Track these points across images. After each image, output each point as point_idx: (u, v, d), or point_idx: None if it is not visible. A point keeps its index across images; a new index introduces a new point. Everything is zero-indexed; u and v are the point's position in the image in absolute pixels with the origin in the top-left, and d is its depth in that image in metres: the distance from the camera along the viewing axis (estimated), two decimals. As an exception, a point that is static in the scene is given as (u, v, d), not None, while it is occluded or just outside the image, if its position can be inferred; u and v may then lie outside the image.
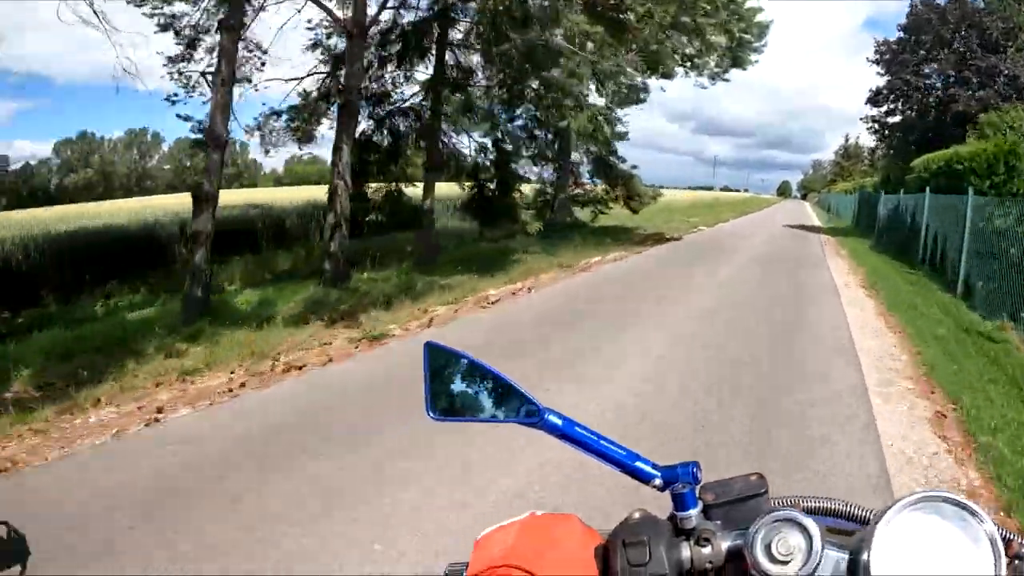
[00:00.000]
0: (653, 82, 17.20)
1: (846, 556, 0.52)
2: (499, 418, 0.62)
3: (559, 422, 0.60)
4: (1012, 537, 0.53)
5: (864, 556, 0.50)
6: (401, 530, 2.42)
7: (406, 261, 10.24)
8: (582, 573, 0.54)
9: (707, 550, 0.55)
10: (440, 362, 0.63)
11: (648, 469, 0.60)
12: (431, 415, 0.62)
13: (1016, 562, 0.52)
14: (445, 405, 0.63)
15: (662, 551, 0.54)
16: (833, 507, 0.61)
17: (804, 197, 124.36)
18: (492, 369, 0.61)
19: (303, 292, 7.72)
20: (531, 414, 0.60)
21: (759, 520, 0.54)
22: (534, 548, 0.54)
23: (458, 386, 0.63)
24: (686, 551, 0.55)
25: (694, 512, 0.58)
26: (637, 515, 0.57)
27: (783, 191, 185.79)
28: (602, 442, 0.60)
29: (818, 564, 0.51)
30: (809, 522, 0.52)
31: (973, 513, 0.50)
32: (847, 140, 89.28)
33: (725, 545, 0.55)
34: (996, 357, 4.86)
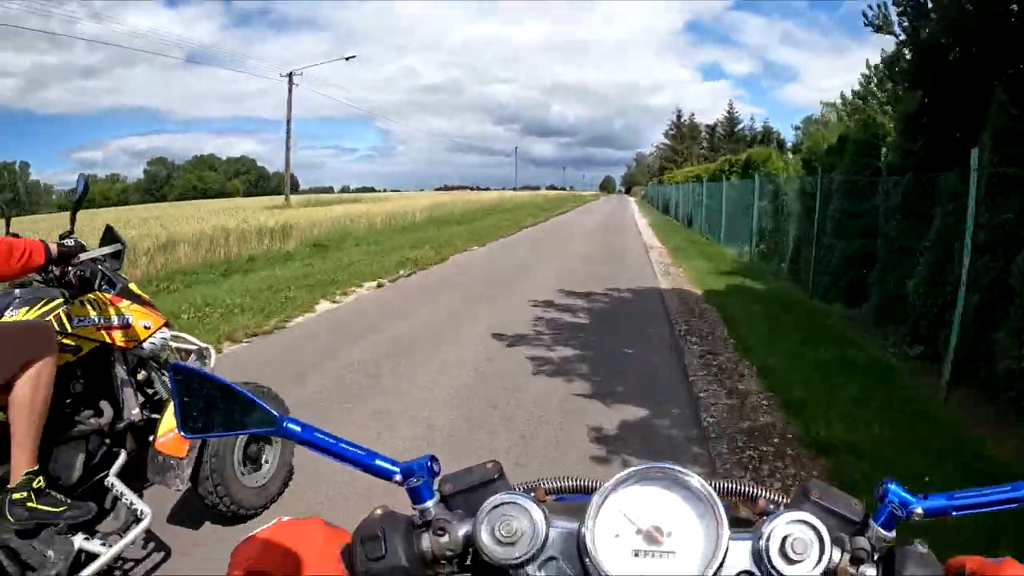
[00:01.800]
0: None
1: (574, 529, 0.58)
2: (244, 429, 0.64)
3: (298, 429, 0.64)
4: (758, 495, 0.63)
5: (584, 528, 0.57)
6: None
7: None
8: (327, 573, 0.58)
9: (444, 539, 0.60)
10: (187, 382, 0.65)
11: (387, 466, 0.64)
12: (184, 434, 0.65)
13: (763, 517, 0.59)
14: (193, 424, 0.64)
15: (397, 543, 0.59)
16: (568, 484, 0.67)
17: (628, 191, 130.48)
18: (233, 385, 0.64)
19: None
20: (272, 423, 0.63)
21: (483, 506, 0.59)
22: (281, 554, 0.59)
23: (206, 404, 0.64)
24: (425, 542, 0.60)
25: (431, 503, 0.62)
26: (378, 512, 0.63)
27: (606, 186, 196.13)
28: (341, 444, 0.65)
29: (543, 542, 0.57)
30: (529, 503, 0.59)
31: (689, 478, 0.57)
32: (679, 117, 79.46)
33: (461, 532, 0.60)
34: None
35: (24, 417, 1.99)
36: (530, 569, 0.58)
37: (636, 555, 0.57)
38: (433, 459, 0.64)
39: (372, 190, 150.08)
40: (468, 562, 0.63)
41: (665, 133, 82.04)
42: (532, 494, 0.64)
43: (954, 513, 0.58)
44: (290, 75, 31.53)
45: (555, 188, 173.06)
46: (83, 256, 2.27)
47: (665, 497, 0.58)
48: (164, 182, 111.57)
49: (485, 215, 28.43)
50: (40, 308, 2.23)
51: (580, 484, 0.68)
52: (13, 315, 2.22)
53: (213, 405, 0.64)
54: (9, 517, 1.96)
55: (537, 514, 0.58)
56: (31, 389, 2.01)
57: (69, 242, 2.24)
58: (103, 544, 2.11)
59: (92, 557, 2.07)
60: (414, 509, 0.62)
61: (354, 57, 38.64)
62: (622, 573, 0.55)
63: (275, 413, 0.63)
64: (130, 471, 2.41)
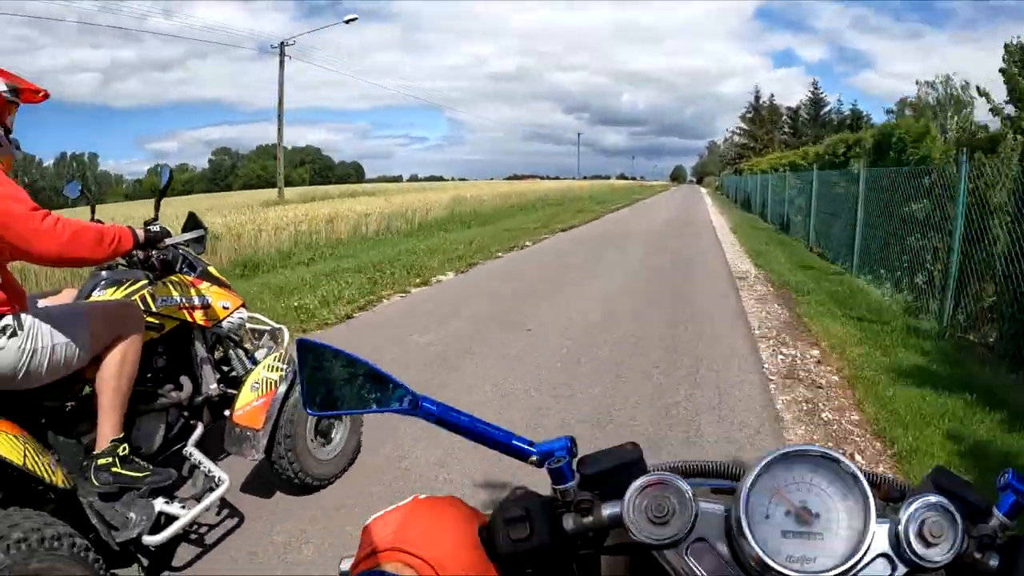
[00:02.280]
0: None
1: (722, 512, 0.59)
2: (376, 408, 0.64)
3: (434, 408, 0.64)
4: (882, 480, 0.66)
5: (736, 511, 0.57)
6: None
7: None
8: (467, 552, 0.58)
9: (588, 519, 0.61)
10: (314, 358, 0.63)
11: (524, 447, 0.65)
12: (309, 411, 0.65)
13: (889, 503, 0.62)
14: (323, 400, 0.64)
15: (543, 523, 0.59)
16: (708, 467, 0.69)
17: (699, 181, 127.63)
18: (367, 361, 0.63)
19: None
20: (408, 403, 0.63)
21: (634, 485, 0.59)
22: (419, 531, 0.59)
23: (335, 380, 0.64)
24: (568, 522, 0.61)
25: (572, 484, 0.62)
26: (518, 492, 0.63)
27: (676, 176, 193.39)
28: (478, 424, 0.65)
29: (693, 522, 0.58)
30: (680, 482, 0.59)
31: (839, 462, 0.58)
32: (757, 99, 70.85)
33: (606, 513, 0.60)
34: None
35: (111, 389, 2.21)
36: (679, 549, 0.58)
37: (785, 536, 0.57)
38: (572, 440, 0.66)
39: (440, 179, 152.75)
40: (606, 543, 0.64)
41: (742, 116, 73.26)
42: None
43: None
44: (281, 45, 28.06)
45: (624, 178, 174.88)
46: (168, 241, 2.48)
47: (812, 479, 0.59)
48: (229, 172, 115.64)
49: (523, 211, 23.85)
50: (126, 289, 2.46)
51: (720, 469, 0.69)
52: (101, 295, 2.46)
53: (343, 382, 0.64)
54: (95, 481, 2.18)
55: (689, 494, 0.58)
56: (119, 363, 2.22)
57: (155, 228, 2.44)
58: (182, 507, 2.30)
59: (171, 519, 2.27)
60: (554, 489, 0.63)
61: (355, 19, 31.99)
62: (774, 553, 0.55)
63: (413, 391, 0.63)
64: (206, 443, 2.63)
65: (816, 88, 67.75)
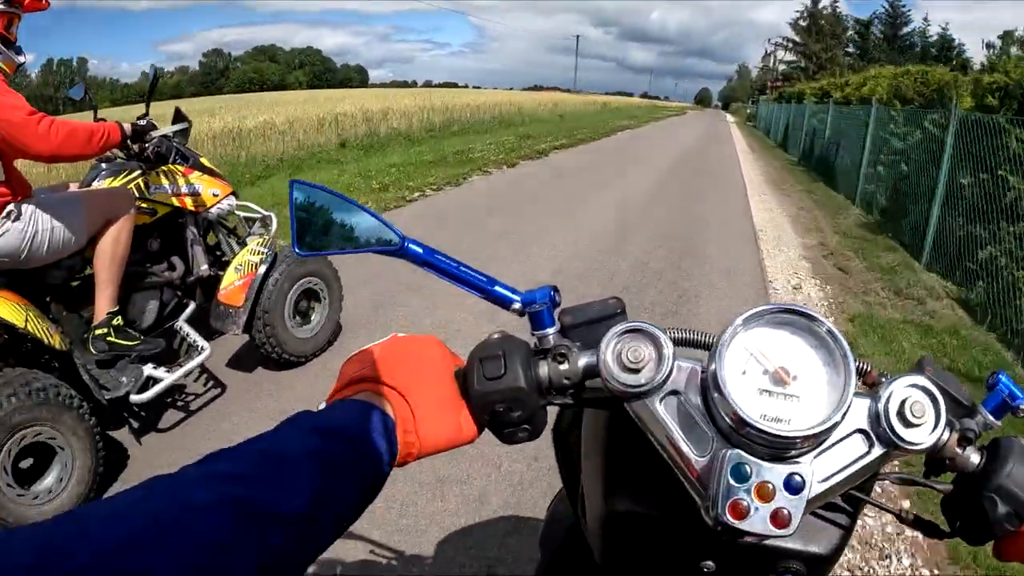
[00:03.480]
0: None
1: (699, 367, 0.60)
2: (364, 248, 0.65)
3: (420, 250, 0.65)
4: (869, 368, 0.65)
5: (713, 366, 0.57)
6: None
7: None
8: (440, 387, 0.62)
9: (564, 366, 0.62)
10: (305, 198, 0.65)
11: (507, 293, 0.66)
12: (298, 251, 0.65)
13: (873, 388, 0.62)
14: (311, 240, 0.65)
15: (517, 364, 0.61)
16: (687, 336, 0.67)
17: (726, 107, 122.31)
18: (356, 203, 0.65)
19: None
20: (393, 243, 0.64)
21: (611, 331, 0.61)
22: (395, 364, 0.62)
23: (324, 221, 0.65)
24: (544, 368, 0.62)
25: (551, 331, 0.65)
26: (496, 335, 0.64)
27: (702, 99, 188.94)
28: (462, 268, 0.67)
29: (669, 372, 0.59)
30: (658, 331, 0.60)
31: (821, 324, 0.59)
32: (815, 2, 54.27)
33: (582, 362, 0.62)
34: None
35: (106, 266, 2.60)
36: (651, 400, 0.60)
37: (761, 394, 0.58)
38: (555, 289, 0.67)
39: (455, 86, 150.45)
40: (582, 395, 0.65)
41: (793, 23, 56.03)
42: None
43: None
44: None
45: (648, 96, 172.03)
46: (155, 133, 2.82)
47: (793, 341, 0.60)
48: (220, 74, 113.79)
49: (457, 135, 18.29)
50: (123, 178, 2.83)
51: (698, 338, 0.69)
52: (100, 184, 2.84)
53: (333, 222, 0.66)
54: (91, 349, 2.60)
55: (667, 343, 0.60)
56: (112, 243, 2.61)
57: (142, 122, 2.79)
58: (167, 372, 2.74)
59: (158, 382, 2.70)
60: (533, 335, 0.65)
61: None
62: (749, 409, 0.56)
63: (399, 233, 0.65)
64: (198, 322, 3.06)
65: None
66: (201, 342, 2.91)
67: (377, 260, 5.19)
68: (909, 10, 50.52)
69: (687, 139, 24.46)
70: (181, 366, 2.82)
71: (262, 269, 3.06)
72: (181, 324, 2.96)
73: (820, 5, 54.38)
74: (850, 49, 52.77)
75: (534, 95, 45.52)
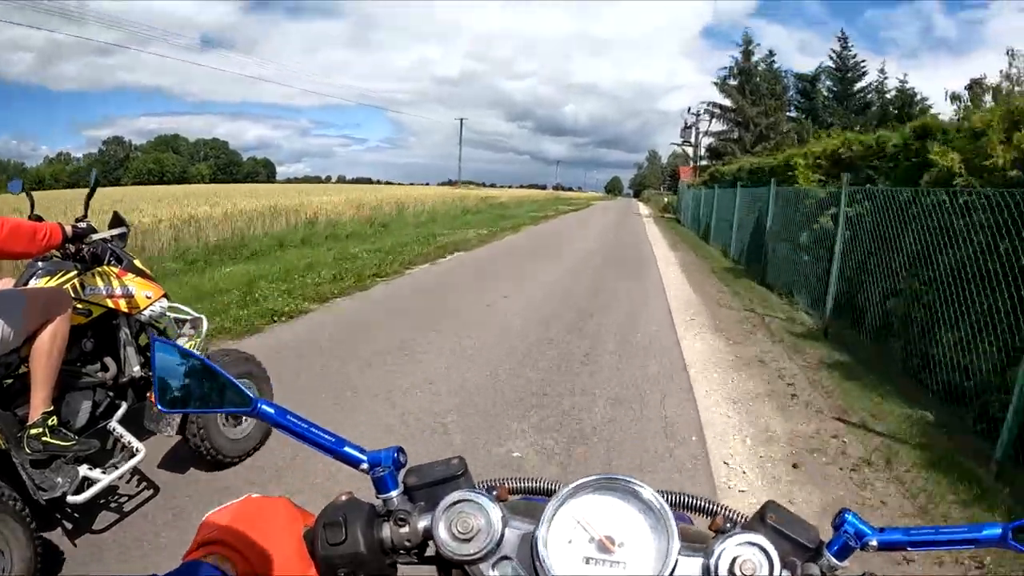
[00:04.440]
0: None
1: (530, 531, 0.65)
2: (220, 408, 0.73)
3: (271, 411, 0.73)
4: (717, 510, 0.69)
5: (538, 531, 0.63)
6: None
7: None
8: (288, 551, 0.66)
9: (404, 529, 0.68)
10: (168, 358, 0.72)
11: (355, 453, 0.73)
12: (160, 408, 0.73)
13: (718, 535, 0.64)
14: (174, 397, 0.72)
15: (358, 530, 0.67)
16: (531, 486, 0.75)
17: (637, 195, 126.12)
18: (213, 365, 0.72)
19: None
20: (245, 404, 0.72)
21: (443, 502, 0.67)
22: (245, 527, 0.67)
23: (185, 381, 0.72)
24: (386, 530, 0.68)
25: (395, 494, 0.71)
26: (343, 498, 0.71)
27: (612, 188, 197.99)
28: (312, 430, 0.74)
29: (499, 541, 0.65)
30: (487, 502, 0.66)
31: (642, 490, 0.64)
32: (747, 54, 44.85)
33: (421, 525, 0.68)
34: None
35: (43, 365, 2.73)
36: (483, 566, 0.65)
37: (587, 562, 0.63)
38: (400, 450, 0.73)
39: (369, 181, 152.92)
40: (428, 554, 0.71)
41: (721, 83, 45.39)
42: (494, 492, 0.73)
43: (909, 548, 0.63)
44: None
45: (561, 188, 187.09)
46: (95, 237, 3.02)
47: (620, 507, 0.64)
48: (119, 164, 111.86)
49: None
50: (59, 278, 3.00)
51: (542, 486, 0.75)
52: (36, 283, 3.00)
53: (192, 381, 0.72)
54: (27, 449, 2.69)
55: (495, 513, 0.65)
56: (49, 342, 2.75)
57: (83, 225, 2.98)
58: (103, 472, 2.86)
59: (93, 483, 2.81)
60: (378, 498, 0.71)
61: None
62: None
63: (251, 395, 0.72)
64: (130, 422, 3.17)
65: (844, 47, 44.68)
66: (135, 443, 3.04)
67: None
68: (863, 62, 44.12)
69: (603, 225, 27.24)
70: (116, 467, 2.94)
71: None
72: (114, 425, 3.08)
73: (752, 59, 45.47)
74: (792, 113, 45.61)
75: (439, 190, 46.64)
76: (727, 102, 44.98)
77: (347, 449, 0.73)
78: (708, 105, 46.24)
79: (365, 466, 0.72)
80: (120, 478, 3.01)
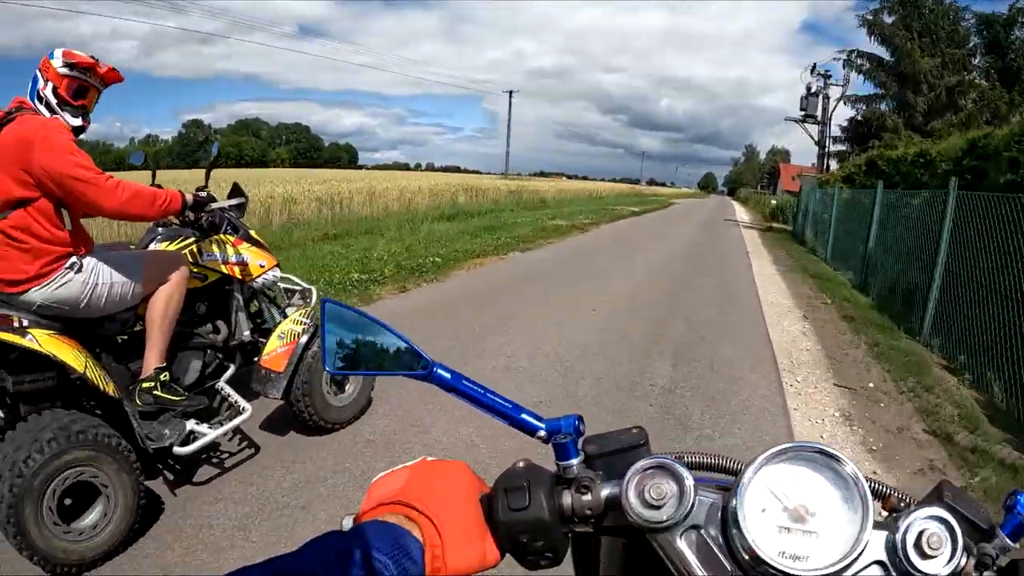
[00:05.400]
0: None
1: (720, 502, 0.66)
2: (393, 371, 0.73)
3: (447, 376, 0.73)
4: (889, 492, 0.71)
5: (733, 502, 0.63)
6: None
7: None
8: (467, 514, 0.66)
9: (587, 497, 0.68)
10: (337, 319, 0.73)
11: (533, 421, 0.74)
12: (327, 369, 0.74)
13: (893, 514, 0.66)
14: (342, 360, 0.74)
15: (541, 496, 0.67)
16: (710, 461, 0.76)
17: (731, 193, 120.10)
18: (386, 325, 0.73)
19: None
20: (423, 367, 0.73)
21: (633, 467, 0.67)
22: (423, 489, 0.67)
23: (354, 341, 0.73)
24: (567, 498, 0.68)
25: (575, 461, 0.71)
26: (521, 464, 0.70)
27: (705, 185, 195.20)
28: (489, 395, 0.74)
29: (690, 509, 0.65)
30: (681, 469, 0.66)
31: (840, 462, 0.64)
32: None
33: (604, 493, 0.68)
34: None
35: (158, 324, 3.02)
36: (672, 535, 0.65)
37: (780, 531, 0.63)
38: (579, 419, 0.73)
39: (457, 170, 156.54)
40: (606, 524, 0.70)
41: (872, 20, 30.19)
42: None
43: None
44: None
45: (655, 183, 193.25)
46: (214, 205, 3.31)
47: (813, 478, 0.65)
48: (197, 147, 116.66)
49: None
50: (178, 243, 3.30)
51: (724, 464, 0.75)
52: (156, 246, 3.31)
53: (363, 343, 0.73)
54: (138, 401, 2.98)
55: (688, 480, 0.65)
56: (165, 302, 3.03)
57: (203, 194, 3.27)
58: (209, 428, 3.14)
59: (199, 437, 3.08)
60: (558, 465, 0.71)
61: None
62: (767, 547, 0.61)
63: (428, 357, 0.72)
64: (237, 384, 3.46)
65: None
66: (242, 403, 3.31)
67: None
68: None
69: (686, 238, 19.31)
70: (222, 424, 3.21)
71: (304, 339, 3.50)
72: (222, 384, 3.37)
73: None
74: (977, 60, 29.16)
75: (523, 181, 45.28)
76: (880, 52, 29.85)
77: (524, 416, 0.74)
78: (849, 56, 30.42)
79: (543, 433, 0.73)
80: (224, 435, 3.28)
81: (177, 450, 2.99)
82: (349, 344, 0.74)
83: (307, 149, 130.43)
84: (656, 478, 0.66)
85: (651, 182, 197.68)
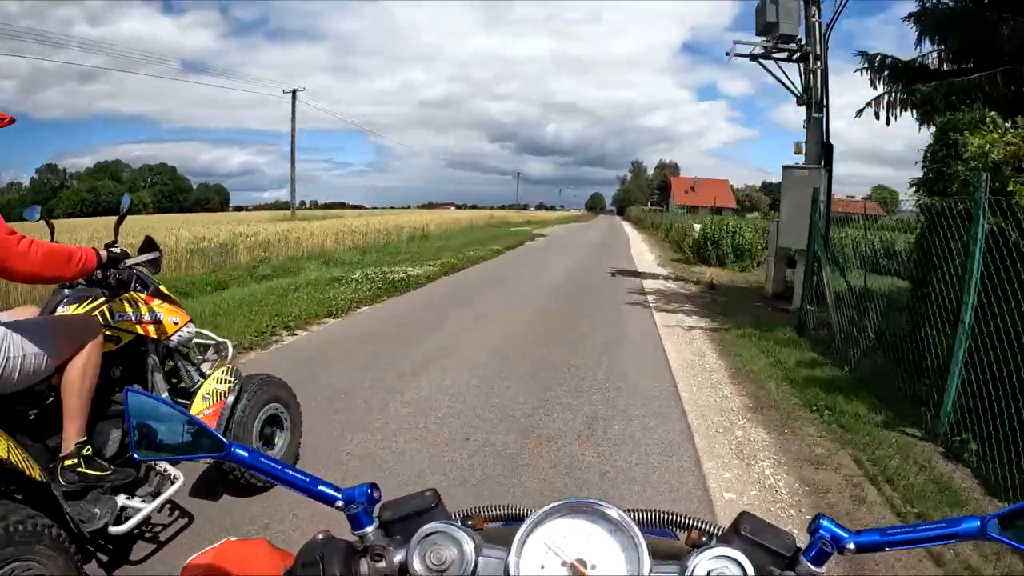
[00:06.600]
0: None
1: (503, 559, 0.71)
2: (195, 454, 0.82)
3: (245, 454, 0.81)
4: (693, 525, 0.77)
5: (510, 558, 0.69)
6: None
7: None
8: None
9: (381, 564, 0.74)
10: (141, 408, 0.81)
11: (330, 492, 0.80)
12: (136, 456, 0.82)
13: (695, 549, 0.69)
14: (148, 446, 0.81)
15: (335, 568, 0.72)
16: (504, 513, 0.84)
17: (621, 212, 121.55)
18: (186, 412, 0.82)
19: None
20: (220, 449, 0.80)
21: (417, 534, 0.73)
22: (226, 572, 0.76)
23: (159, 429, 0.81)
24: (363, 567, 0.74)
25: (370, 529, 0.78)
26: (320, 536, 0.77)
27: (593, 206, 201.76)
28: (286, 470, 0.81)
29: (473, 570, 0.71)
30: (457, 532, 0.72)
31: (608, 509, 0.70)
32: None
33: (397, 559, 0.74)
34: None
35: (76, 394, 2.91)
36: None
37: None
38: (373, 486, 0.79)
39: (343, 205, 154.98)
40: None
41: None
42: (470, 522, 0.81)
43: (888, 549, 0.68)
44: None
45: (543, 207, 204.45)
46: (129, 262, 3.25)
47: (590, 529, 0.70)
48: (51, 194, 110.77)
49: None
50: (87, 305, 3.22)
51: (517, 512, 0.82)
52: (64, 310, 3.20)
53: (166, 429, 0.79)
54: (61, 480, 2.85)
55: (467, 543, 0.71)
56: (81, 371, 2.93)
57: (116, 250, 3.19)
58: (142, 502, 3.05)
59: (132, 513, 2.99)
60: (354, 535, 0.78)
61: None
62: None
63: (224, 441, 0.80)
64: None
65: None
66: (172, 470, 3.24)
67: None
68: None
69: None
70: (154, 496, 3.13)
71: (231, 398, 3.51)
72: (147, 453, 3.28)
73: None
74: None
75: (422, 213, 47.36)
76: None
77: (321, 488, 0.80)
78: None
79: (340, 503, 0.79)
80: (160, 507, 3.18)
81: (112, 530, 2.90)
82: (155, 431, 0.80)
83: (172, 192, 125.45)
84: (437, 543, 0.72)
85: (540, 206, 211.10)
